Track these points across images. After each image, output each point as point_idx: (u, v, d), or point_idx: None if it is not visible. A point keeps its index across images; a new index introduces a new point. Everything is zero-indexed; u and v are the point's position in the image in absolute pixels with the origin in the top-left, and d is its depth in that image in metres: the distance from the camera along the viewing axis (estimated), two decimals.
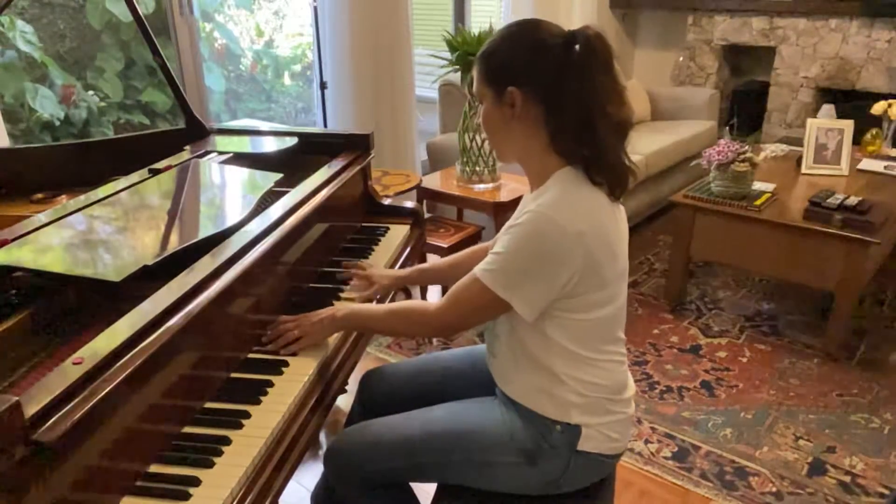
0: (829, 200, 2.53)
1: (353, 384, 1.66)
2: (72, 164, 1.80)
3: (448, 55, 2.78)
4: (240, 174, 1.65)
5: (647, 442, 2.17)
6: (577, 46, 1.12)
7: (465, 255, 1.58)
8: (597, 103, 1.13)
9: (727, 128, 3.15)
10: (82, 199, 1.45)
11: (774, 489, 1.97)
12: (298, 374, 1.24)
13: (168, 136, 1.93)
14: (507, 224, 1.21)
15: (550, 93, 1.14)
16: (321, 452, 1.33)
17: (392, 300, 1.67)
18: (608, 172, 1.17)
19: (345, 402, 2.26)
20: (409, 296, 3.08)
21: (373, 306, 1.40)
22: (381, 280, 1.56)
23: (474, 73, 1.23)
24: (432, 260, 1.67)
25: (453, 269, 1.58)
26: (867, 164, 3.12)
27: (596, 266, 1.14)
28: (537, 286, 1.14)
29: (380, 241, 1.83)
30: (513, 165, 1.29)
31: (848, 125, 3.03)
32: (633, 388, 1.31)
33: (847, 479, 2.01)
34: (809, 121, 3.11)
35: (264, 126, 2.16)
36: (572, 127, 1.14)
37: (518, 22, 1.23)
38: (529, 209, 1.14)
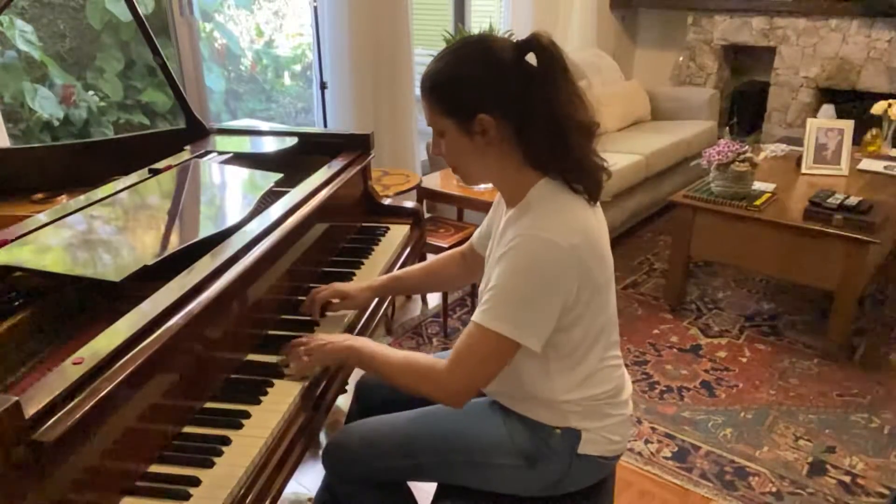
0: (829, 200, 2.53)
1: (352, 384, 1.66)
2: (72, 164, 1.80)
3: None
4: (240, 174, 1.65)
5: (647, 442, 2.17)
6: (533, 57, 1.10)
7: (439, 264, 1.53)
8: (564, 111, 1.11)
9: (727, 128, 3.15)
10: (82, 199, 1.44)
11: (774, 489, 1.97)
12: None
13: (168, 136, 1.93)
14: (495, 254, 1.14)
15: (520, 111, 1.10)
16: (321, 452, 1.33)
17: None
18: (585, 177, 1.15)
19: (345, 401, 2.25)
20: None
21: (384, 347, 1.26)
22: (358, 295, 1.46)
23: (425, 105, 1.16)
24: (407, 266, 1.60)
25: (428, 277, 1.54)
26: (867, 164, 3.13)
27: (590, 275, 1.13)
28: (542, 312, 1.09)
29: (380, 241, 1.82)
30: None
31: (848, 125, 3.03)
32: (630, 388, 1.31)
33: (847, 479, 2.01)
34: (809, 121, 3.11)
35: (264, 126, 2.16)
36: (546, 139, 1.11)
37: (463, 42, 1.17)
38: (518, 234, 1.10)
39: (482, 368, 1.12)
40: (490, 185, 2.82)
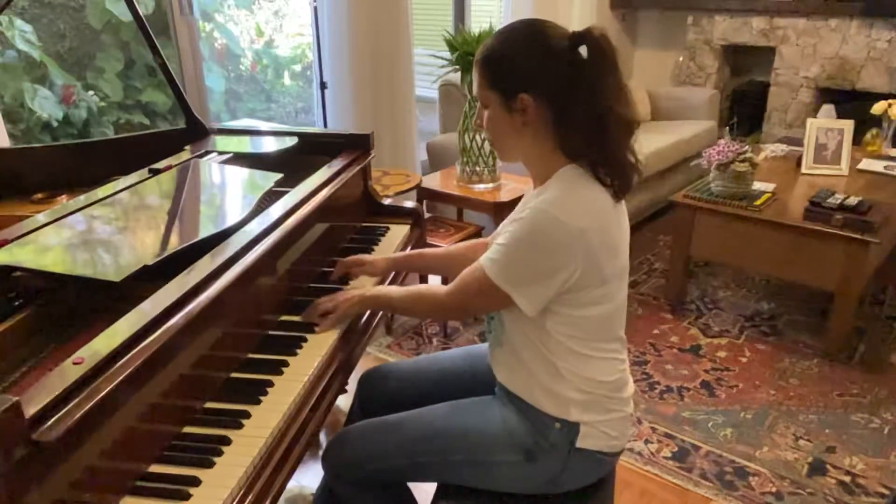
0: (829, 200, 2.53)
1: (352, 384, 1.66)
2: (72, 164, 1.80)
3: (448, 55, 2.78)
4: (240, 174, 1.65)
5: (647, 442, 2.17)
6: (584, 49, 1.13)
7: (460, 249, 1.56)
8: (606, 105, 1.13)
9: (727, 128, 3.15)
10: (82, 199, 1.44)
11: (774, 489, 1.97)
12: (298, 374, 1.24)
13: (168, 136, 1.93)
14: (510, 217, 1.21)
15: (561, 97, 1.14)
16: (321, 452, 1.33)
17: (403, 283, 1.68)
18: (615, 171, 1.18)
19: (345, 401, 2.25)
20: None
21: (393, 288, 1.43)
22: (378, 261, 1.58)
23: (476, 76, 1.21)
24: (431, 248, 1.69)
25: (447, 259, 1.56)
26: (867, 164, 3.12)
27: (596, 263, 1.15)
28: (537, 282, 1.14)
29: (380, 241, 1.83)
30: (513, 165, 1.29)
31: (848, 125, 3.03)
32: (633, 388, 1.31)
33: (847, 479, 2.01)
34: (809, 121, 3.11)
35: (264, 126, 2.16)
36: (583, 129, 1.14)
37: (520, 24, 1.21)
38: (531, 205, 1.15)
39: (476, 302, 1.25)
40: (490, 186, 2.84)
